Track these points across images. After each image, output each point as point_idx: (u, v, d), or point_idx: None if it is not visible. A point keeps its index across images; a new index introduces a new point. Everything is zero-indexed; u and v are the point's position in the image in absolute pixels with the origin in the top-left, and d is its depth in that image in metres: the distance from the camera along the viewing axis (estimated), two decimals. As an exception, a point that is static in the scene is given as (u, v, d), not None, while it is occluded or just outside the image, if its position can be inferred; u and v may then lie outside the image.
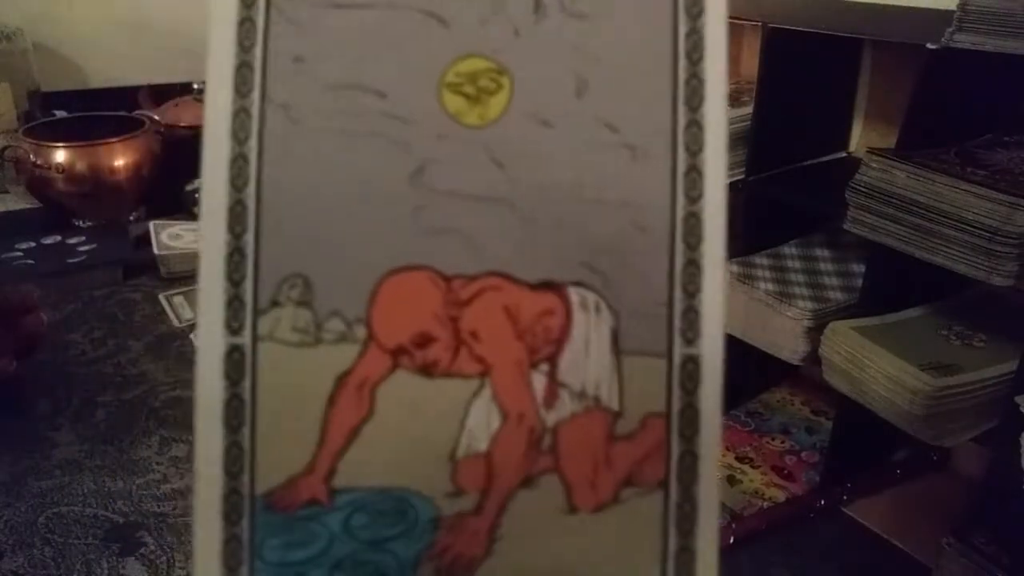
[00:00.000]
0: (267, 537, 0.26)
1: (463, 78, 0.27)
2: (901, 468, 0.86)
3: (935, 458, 0.87)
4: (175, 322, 1.24)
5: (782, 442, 0.94)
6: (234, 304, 0.26)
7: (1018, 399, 0.63)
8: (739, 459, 0.91)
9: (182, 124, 1.81)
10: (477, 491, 0.26)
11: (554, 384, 0.27)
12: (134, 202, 1.60)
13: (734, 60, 1.10)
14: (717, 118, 0.27)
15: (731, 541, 0.81)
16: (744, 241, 0.94)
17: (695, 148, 0.27)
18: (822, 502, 0.82)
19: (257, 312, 0.26)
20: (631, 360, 0.27)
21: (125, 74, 2.05)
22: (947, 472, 0.87)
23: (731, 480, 0.87)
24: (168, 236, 1.44)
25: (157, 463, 0.93)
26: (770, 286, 0.86)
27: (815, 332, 0.80)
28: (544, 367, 0.27)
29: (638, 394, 0.27)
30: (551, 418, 0.27)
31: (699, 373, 0.27)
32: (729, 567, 0.79)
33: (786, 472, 0.89)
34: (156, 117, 1.72)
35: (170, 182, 1.63)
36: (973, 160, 0.70)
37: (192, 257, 1.38)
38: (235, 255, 0.26)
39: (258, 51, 0.26)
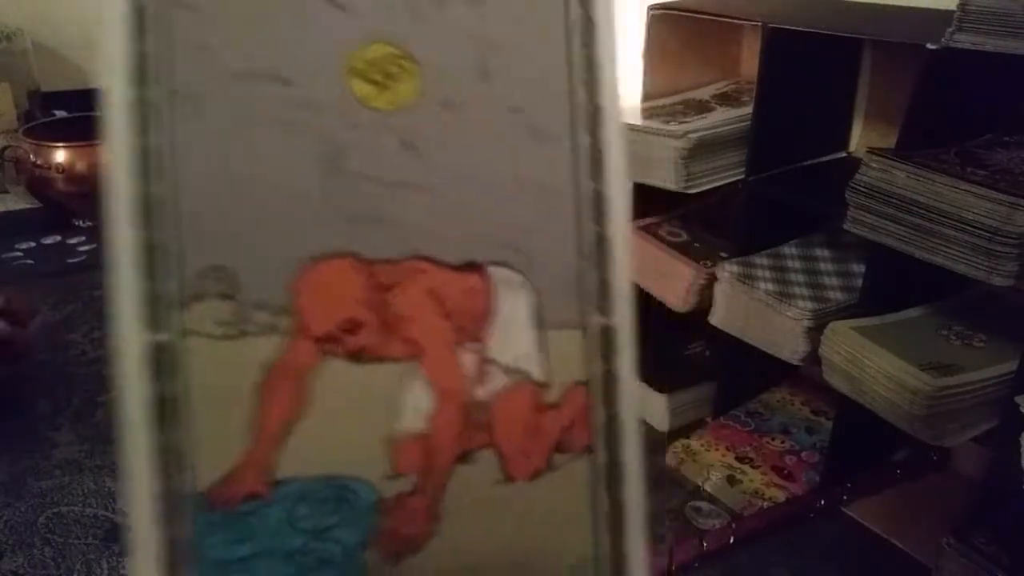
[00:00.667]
0: (208, 535, 0.26)
1: (369, 64, 0.27)
2: (901, 468, 0.86)
3: (935, 458, 0.87)
4: (175, 322, 1.24)
5: (782, 442, 0.94)
6: (152, 301, 0.25)
7: (1018, 399, 0.63)
8: (739, 459, 0.91)
9: (182, 124, 1.81)
10: (416, 472, 0.27)
11: (483, 361, 0.27)
12: (134, 202, 1.60)
13: (734, 60, 1.10)
14: (612, 100, 0.28)
15: (731, 541, 0.81)
16: (744, 241, 0.94)
17: (595, 128, 0.27)
18: (822, 502, 0.82)
19: (180, 307, 0.25)
20: (553, 333, 0.28)
21: (125, 74, 2.04)
22: (947, 472, 0.87)
23: (731, 480, 0.87)
24: (168, 236, 1.44)
25: (157, 463, 0.93)
26: (770, 286, 0.86)
27: (815, 332, 0.80)
28: (472, 345, 0.27)
29: (561, 364, 0.27)
30: (482, 393, 0.27)
31: (615, 341, 0.28)
32: (729, 567, 0.79)
33: (786, 472, 0.89)
34: (156, 117, 1.72)
35: (170, 182, 1.62)
36: (973, 160, 0.70)
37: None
38: (149, 250, 0.25)
39: (150, 38, 0.25)
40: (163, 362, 0.25)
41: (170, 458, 0.25)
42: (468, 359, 0.27)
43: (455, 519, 0.27)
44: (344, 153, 0.27)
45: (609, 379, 0.28)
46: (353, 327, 0.27)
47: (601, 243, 0.28)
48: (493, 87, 0.28)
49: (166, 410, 0.25)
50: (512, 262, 0.27)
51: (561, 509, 0.28)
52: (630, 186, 0.29)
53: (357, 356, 0.27)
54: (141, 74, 0.25)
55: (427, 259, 0.27)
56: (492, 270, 0.27)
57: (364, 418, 0.26)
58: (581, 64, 0.28)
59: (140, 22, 0.25)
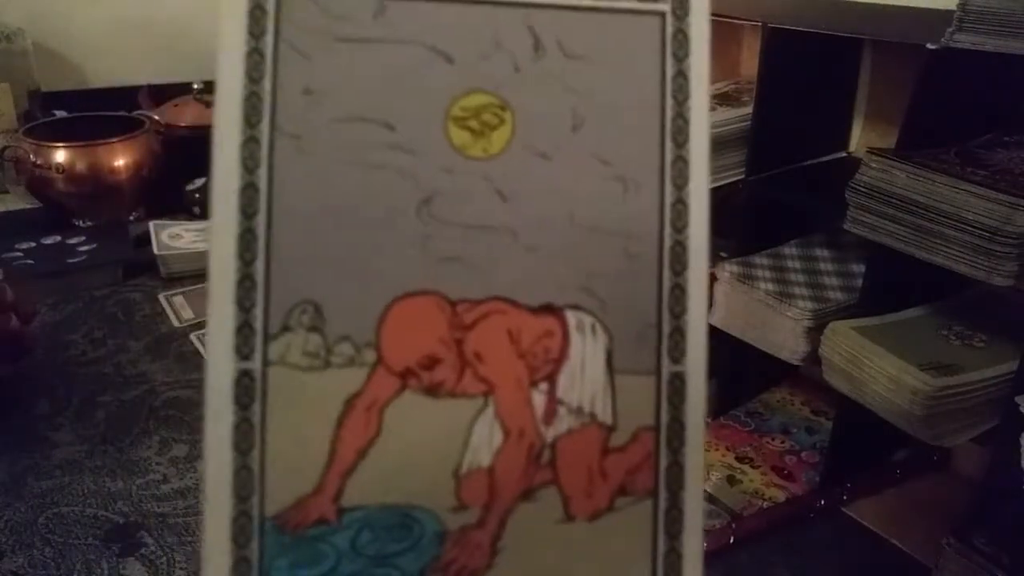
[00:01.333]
0: (276, 558, 0.27)
1: (468, 112, 0.28)
2: (901, 468, 0.86)
3: (935, 458, 0.87)
4: (175, 322, 1.24)
5: (782, 442, 0.94)
6: (244, 330, 0.27)
7: (1018, 399, 0.63)
8: (739, 459, 0.91)
9: (182, 124, 1.81)
10: (480, 505, 0.28)
11: (553, 401, 0.28)
12: (134, 202, 1.60)
13: (734, 60, 1.10)
14: (701, 154, 0.29)
15: (731, 541, 0.81)
16: (744, 241, 0.94)
17: (681, 182, 0.29)
18: (822, 502, 0.82)
19: (268, 337, 0.27)
20: (623, 378, 0.28)
21: (125, 74, 2.05)
22: (947, 472, 0.87)
23: (731, 480, 0.87)
24: (168, 236, 1.44)
25: (157, 463, 0.93)
26: (770, 286, 0.86)
27: (815, 332, 0.80)
28: (543, 386, 0.28)
29: (630, 409, 0.28)
30: (550, 433, 0.28)
31: (684, 389, 0.29)
32: (729, 567, 0.79)
33: (786, 472, 0.89)
34: (156, 117, 1.72)
35: (170, 182, 1.63)
36: (973, 160, 0.70)
37: (192, 257, 1.38)
38: (245, 281, 0.27)
39: (267, 83, 0.27)
40: (249, 389, 0.27)
41: (247, 482, 0.26)
42: (538, 399, 0.28)
43: (514, 554, 0.28)
44: (437, 197, 0.28)
45: (676, 426, 0.29)
46: (432, 363, 0.28)
47: (678, 292, 0.29)
48: (584, 138, 0.29)
49: (248, 436, 0.27)
50: (589, 307, 0.28)
51: (620, 551, 0.28)
52: (707, 237, 0.29)
53: (433, 391, 0.28)
54: (253, 114, 0.27)
55: (507, 300, 0.28)
56: (569, 314, 0.28)
57: (434, 450, 0.28)
58: (673, 119, 0.29)
59: (259, 65, 0.27)
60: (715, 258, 0.95)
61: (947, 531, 0.67)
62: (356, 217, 0.27)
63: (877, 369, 0.71)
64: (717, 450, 0.92)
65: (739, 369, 1.00)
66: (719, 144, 0.91)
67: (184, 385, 1.09)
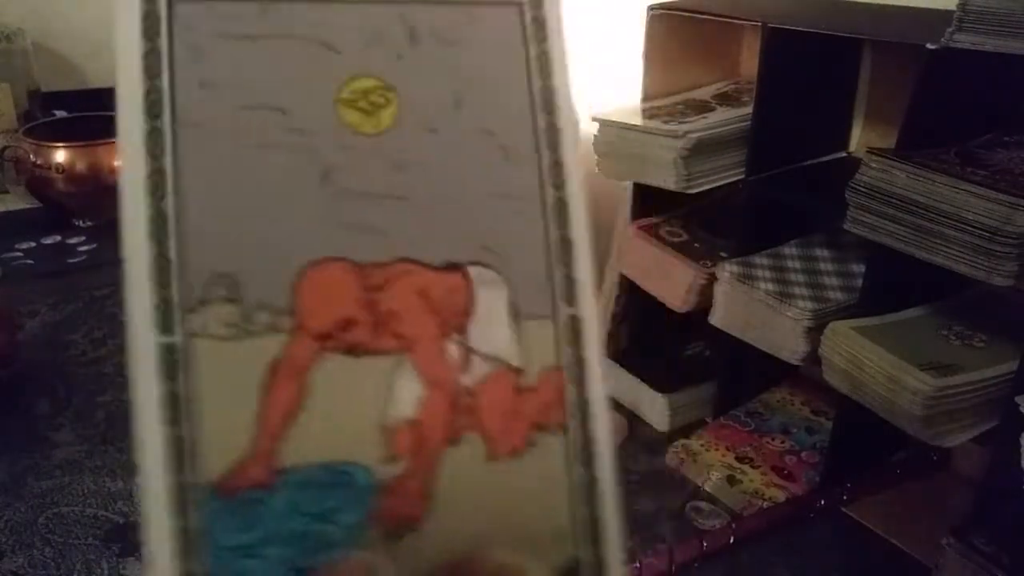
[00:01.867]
0: (217, 523, 0.28)
1: (356, 95, 0.31)
2: (901, 468, 0.86)
3: (935, 458, 0.87)
4: (175, 322, 1.24)
5: (782, 442, 0.94)
6: (162, 306, 0.28)
7: (1018, 399, 0.63)
8: (739, 459, 0.91)
9: (182, 124, 1.81)
10: (409, 455, 0.29)
11: (466, 351, 0.31)
12: (134, 202, 1.60)
13: (734, 60, 1.10)
14: (569, 120, 0.33)
15: (731, 541, 0.81)
16: (744, 241, 0.94)
17: (554, 146, 0.32)
18: (822, 502, 0.82)
19: (186, 311, 0.28)
20: (526, 324, 0.31)
21: (125, 74, 2.04)
22: (947, 472, 0.87)
23: (731, 480, 0.87)
24: (168, 236, 1.44)
25: (157, 463, 0.93)
26: (770, 286, 0.86)
27: (815, 332, 0.80)
28: (456, 337, 0.31)
29: (535, 351, 0.31)
30: (466, 381, 0.31)
31: (581, 328, 0.32)
32: (729, 567, 0.79)
33: (786, 472, 0.89)
34: (156, 117, 1.72)
35: (170, 182, 1.62)
36: (973, 160, 0.70)
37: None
38: (159, 260, 0.29)
39: (165, 79, 0.29)
40: (172, 362, 0.28)
41: (180, 452, 0.28)
42: (453, 350, 0.30)
43: (446, 498, 0.30)
44: (336, 170, 0.30)
45: (579, 363, 0.31)
46: (348, 324, 0.30)
47: (565, 244, 0.32)
48: (465, 113, 0.32)
49: (176, 407, 0.28)
50: (489, 262, 0.31)
51: (541, 484, 0.31)
52: (582, 192, 0.33)
53: (352, 351, 0.29)
54: (154, 107, 0.29)
55: (413, 261, 0.31)
56: (472, 269, 0.31)
57: (360, 408, 0.29)
58: (540, 93, 0.33)
59: (156, 61, 0.29)
60: (715, 258, 0.95)
61: (947, 531, 0.67)
62: (261, 193, 0.30)
63: (877, 369, 0.71)
64: (717, 450, 0.92)
65: (739, 369, 1.00)
66: (719, 144, 0.91)
67: (184, 385, 1.09)
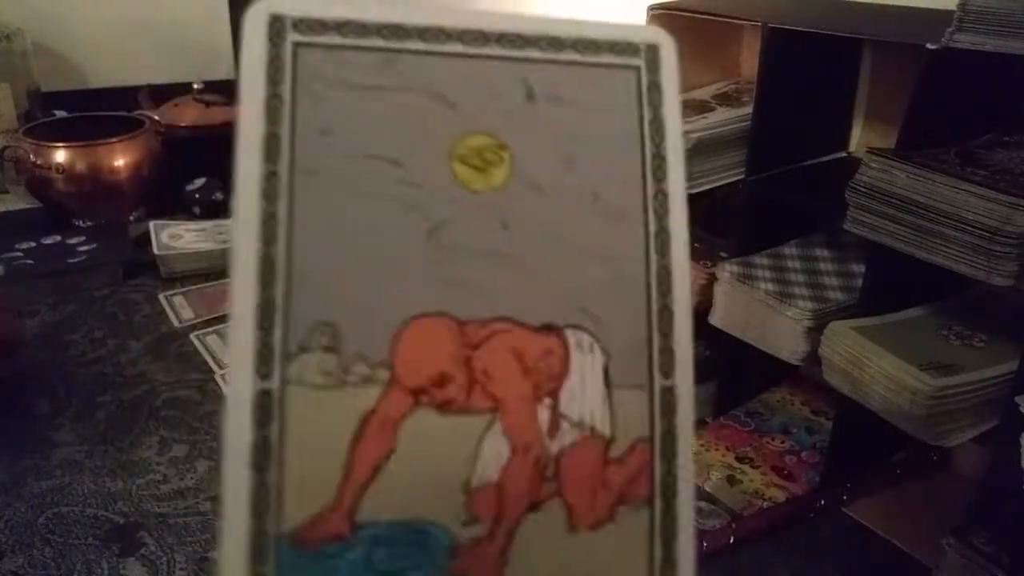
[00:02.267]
0: (291, 572, 0.27)
1: (471, 151, 0.31)
2: (901, 468, 0.86)
3: (935, 458, 0.87)
4: (175, 322, 1.24)
5: (782, 442, 0.94)
6: (263, 351, 0.28)
7: (1018, 399, 0.63)
8: (739, 459, 0.91)
9: (182, 124, 1.81)
10: (490, 518, 0.29)
11: (556, 416, 0.30)
12: (134, 202, 1.60)
13: (734, 60, 1.10)
14: (679, 188, 0.33)
15: (731, 541, 0.81)
16: (744, 241, 0.94)
17: (662, 212, 0.32)
18: (822, 502, 0.82)
19: (286, 357, 0.28)
20: (620, 392, 0.31)
21: (125, 74, 2.05)
22: (947, 472, 0.87)
23: (731, 480, 0.87)
24: (168, 236, 1.44)
25: (157, 463, 0.93)
26: (770, 286, 0.86)
27: (815, 332, 0.80)
28: (547, 401, 0.30)
29: (626, 422, 0.31)
30: (554, 447, 0.30)
31: (675, 402, 0.31)
32: (729, 567, 0.79)
33: (786, 472, 0.89)
34: (156, 117, 1.72)
35: (170, 182, 1.63)
36: (973, 160, 0.70)
37: (192, 257, 1.38)
38: (265, 305, 0.28)
39: (286, 125, 0.29)
40: (267, 409, 0.28)
41: (264, 499, 0.28)
42: (543, 414, 0.30)
43: (522, 564, 0.29)
44: (444, 226, 0.30)
45: (670, 437, 0.31)
46: (443, 381, 0.29)
47: (666, 313, 0.32)
48: (575, 174, 0.32)
49: (266, 454, 0.28)
50: (586, 326, 0.31)
51: (620, 559, 0.30)
52: (688, 261, 0.33)
53: (444, 408, 0.29)
54: (273, 152, 0.29)
55: (511, 321, 0.30)
56: (569, 333, 0.31)
57: (445, 467, 0.29)
58: (652, 158, 0.33)
59: (278, 108, 0.29)
60: (715, 258, 0.95)
61: (947, 531, 0.67)
62: (369, 244, 0.30)
63: (877, 369, 0.71)
64: (717, 450, 0.92)
65: (739, 369, 1.00)
66: (719, 144, 0.91)
67: (184, 385, 1.09)
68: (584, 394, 0.30)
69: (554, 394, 0.30)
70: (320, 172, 0.29)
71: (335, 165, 0.30)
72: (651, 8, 0.97)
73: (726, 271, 0.89)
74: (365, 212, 0.30)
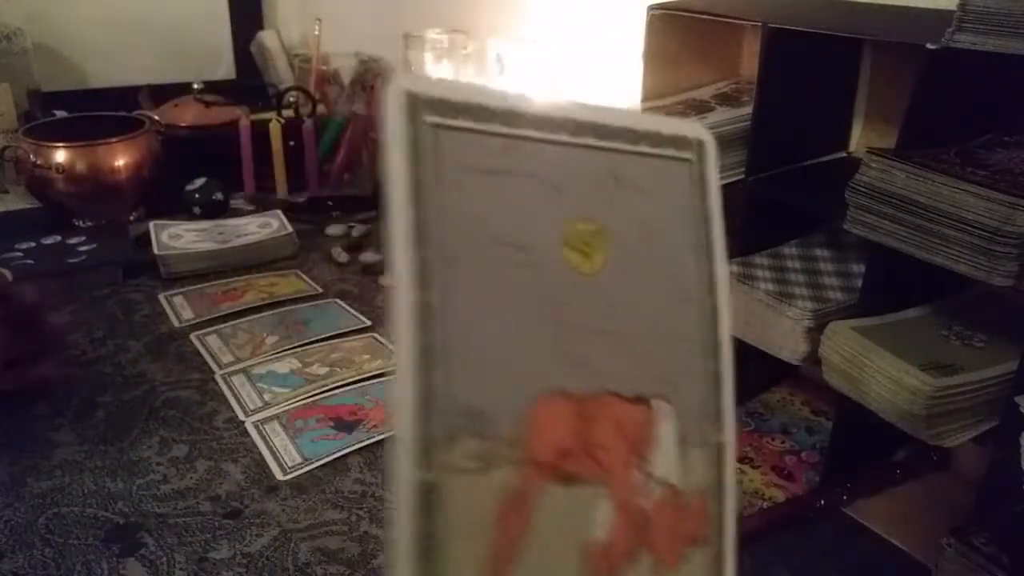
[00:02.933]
0: None
1: (579, 236, 0.34)
2: (901, 468, 0.86)
3: (935, 458, 0.87)
4: (175, 322, 1.24)
5: (782, 442, 0.94)
6: (422, 441, 0.29)
7: (1018, 399, 0.63)
8: (739, 459, 0.91)
9: (182, 124, 1.81)
10: (599, 575, 0.33)
11: (647, 477, 0.34)
12: (134, 202, 1.60)
13: (734, 60, 1.10)
14: (723, 270, 0.38)
15: (731, 541, 0.81)
16: (744, 241, 0.94)
17: (713, 291, 0.37)
18: (822, 502, 0.82)
19: (441, 445, 0.30)
20: (690, 451, 0.35)
21: (125, 74, 2.05)
22: (947, 472, 0.86)
23: (731, 480, 0.87)
24: (168, 236, 1.44)
25: (157, 463, 0.93)
26: (770, 286, 0.86)
27: (815, 332, 0.80)
28: (640, 464, 0.34)
29: (693, 475, 0.35)
30: (645, 504, 0.34)
31: (725, 455, 0.36)
32: (729, 567, 0.79)
33: (786, 472, 0.89)
34: (156, 117, 1.72)
35: (170, 182, 1.63)
36: (973, 160, 0.70)
37: (192, 257, 1.38)
38: (423, 394, 0.29)
39: (432, 209, 0.31)
40: (428, 498, 0.29)
41: None
42: (637, 477, 0.34)
43: None
44: (563, 307, 0.33)
45: (720, 483, 0.36)
46: (566, 455, 0.32)
47: (717, 377, 0.37)
48: (656, 258, 0.36)
49: (429, 545, 0.29)
50: (667, 395, 0.35)
51: None
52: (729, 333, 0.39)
53: (566, 480, 0.32)
54: (420, 239, 0.30)
55: (614, 394, 0.34)
56: (655, 402, 0.35)
57: (567, 533, 0.32)
58: (705, 243, 0.37)
59: (420, 192, 0.31)
60: (715, 258, 0.95)
61: (947, 531, 0.67)
62: (505, 328, 0.32)
63: (877, 369, 0.71)
64: (717, 450, 0.92)
65: (739, 369, 0.99)
66: (719, 144, 0.91)
67: (184, 385, 1.09)
68: (665, 454, 0.35)
69: (645, 456, 0.34)
70: (461, 258, 0.31)
71: (475, 251, 0.32)
72: (651, 8, 0.97)
73: (726, 271, 0.89)
74: (501, 296, 0.32)
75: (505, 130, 0.33)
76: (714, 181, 0.38)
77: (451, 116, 0.31)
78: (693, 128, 0.38)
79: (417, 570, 0.29)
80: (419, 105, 0.30)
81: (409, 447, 0.29)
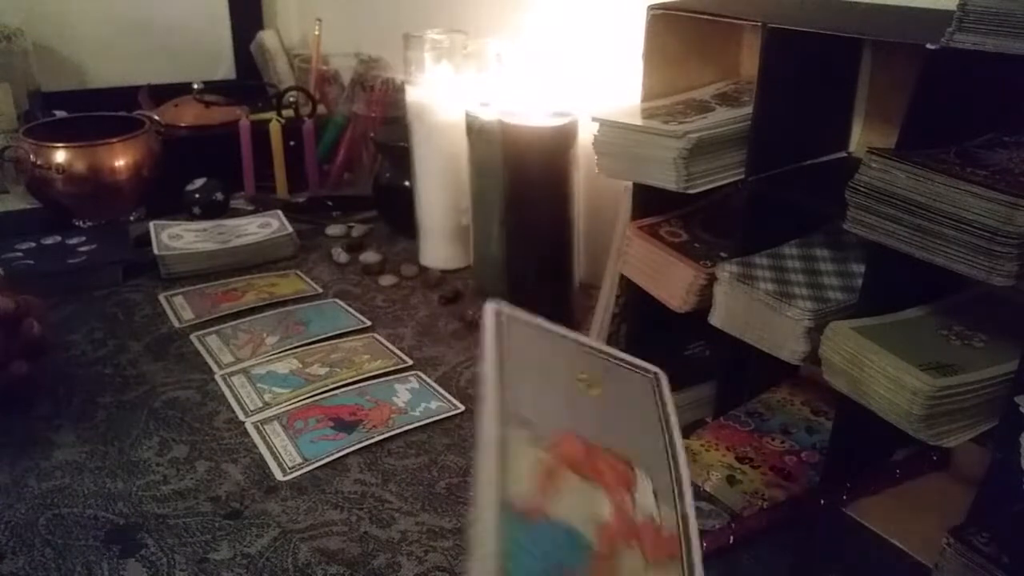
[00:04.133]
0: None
1: (582, 379, 0.58)
2: (901, 468, 0.86)
3: (935, 458, 0.87)
4: (175, 322, 1.24)
5: (782, 442, 0.94)
6: (501, 417, 0.49)
7: (1018, 399, 0.63)
8: (739, 459, 0.91)
9: (182, 124, 1.81)
10: (607, 542, 0.48)
11: (632, 503, 0.52)
12: (134, 202, 1.60)
13: (734, 60, 1.10)
14: (684, 469, 0.57)
15: (731, 541, 0.81)
16: (744, 241, 0.94)
17: (674, 461, 0.58)
18: (822, 502, 0.82)
19: (507, 425, 0.48)
20: (662, 505, 0.54)
21: (125, 74, 2.05)
22: (947, 472, 0.86)
23: (731, 480, 0.87)
24: (168, 236, 1.44)
25: (157, 464, 0.93)
26: (770, 286, 0.86)
27: (815, 332, 0.80)
28: (628, 496, 0.52)
29: (666, 517, 0.54)
30: (636, 518, 0.52)
31: (685, 499, 0.56)
32: (729, 567, 0.79)
33: (786, 472, 0.89)
34: (156, 117, 1.72)
35: (170, 182, 1.63)
36: (973, 160, 0.70)
37: (192, 257, 1.38)
38: (501, 404, 0.50)
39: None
40: (504, 447, 0.48)
41: None
42: (627, 498, 0.52)
43: None
44: (580, 399, 0.58)
45: (684, 518, 0.54)
46: (576, 463, 0.51)
47: (678, 482, 0.57)
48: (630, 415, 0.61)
49: (504, 463, 0.47)
50: (643, 464, 0.56)
51: None
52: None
53: (583, 476, 0.50)
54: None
55: (608, 450, 0.54)
56: (635, 467, 0.55)
57: (581, 505, 0.49)
58: (668, 446, 0.58)
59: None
60: (715, 258, 0.95)
61: (947, 531, 0.67)
62: (540, 388, 0.56)
63: (877, 369, 0.71)
64: (717, 450, 0.92)
65: (739, 369, 1.00)
66: (719, 144, 0.91)
67: (184, 386, 1.09)
68: (645, 498, 0.53)
69: (630, 492, 0.52)
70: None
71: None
72: (651, 8, 0.97)
73: (726, 271, 0.89)
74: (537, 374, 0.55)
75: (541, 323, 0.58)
76: (669, 397, 0.62)
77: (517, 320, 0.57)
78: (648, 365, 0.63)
79: (497, 466, 0.45)
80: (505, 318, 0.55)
81: (494, 418, 0.47)
